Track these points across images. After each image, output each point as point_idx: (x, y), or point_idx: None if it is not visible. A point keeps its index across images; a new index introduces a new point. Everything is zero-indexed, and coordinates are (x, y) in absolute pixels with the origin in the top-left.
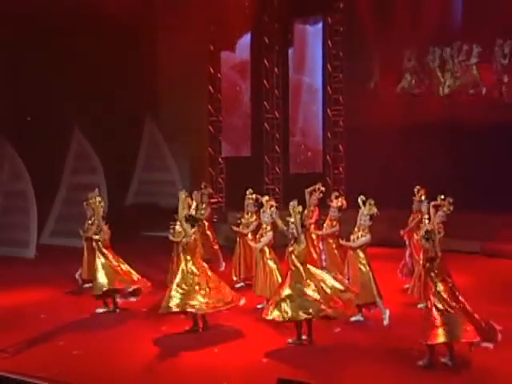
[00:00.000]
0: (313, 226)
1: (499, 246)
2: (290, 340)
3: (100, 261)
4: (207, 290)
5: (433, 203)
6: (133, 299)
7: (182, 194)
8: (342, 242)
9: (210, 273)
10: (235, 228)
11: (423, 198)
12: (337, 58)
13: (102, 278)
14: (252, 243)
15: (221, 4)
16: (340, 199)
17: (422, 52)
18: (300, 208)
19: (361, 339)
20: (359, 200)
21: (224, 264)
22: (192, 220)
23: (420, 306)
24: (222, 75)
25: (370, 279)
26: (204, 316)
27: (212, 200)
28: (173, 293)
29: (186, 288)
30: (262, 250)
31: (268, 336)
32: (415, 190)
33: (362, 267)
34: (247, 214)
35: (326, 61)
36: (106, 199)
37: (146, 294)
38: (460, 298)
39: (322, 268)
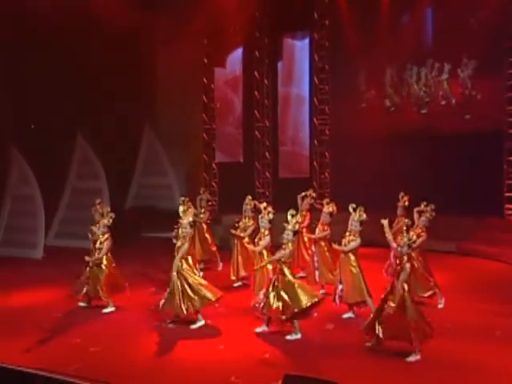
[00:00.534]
0: (305, 230)
1: (474, 246)
2: (288, 336)
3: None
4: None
5: (416, 209)
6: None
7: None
8: (335, 245)
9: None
10: (233, 231)
11: (407, 203)
12: (323, 71)
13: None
14: (251, 246)
15: (214, 20)
16: (331, 205)
17: (401, 68)
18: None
19: (353, 335)
20: (350, 207)
21: (221, 264)
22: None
23: None
24: (216, 88)
25: (361, 280)
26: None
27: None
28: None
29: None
30: (260, 253)
31: (268, 333)
32: (400, 196)
33: (353, 269)
34: (245, 218)
35: (313, 73)
36: (109, 203)
37: (150, 294)
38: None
39: (315, 269)
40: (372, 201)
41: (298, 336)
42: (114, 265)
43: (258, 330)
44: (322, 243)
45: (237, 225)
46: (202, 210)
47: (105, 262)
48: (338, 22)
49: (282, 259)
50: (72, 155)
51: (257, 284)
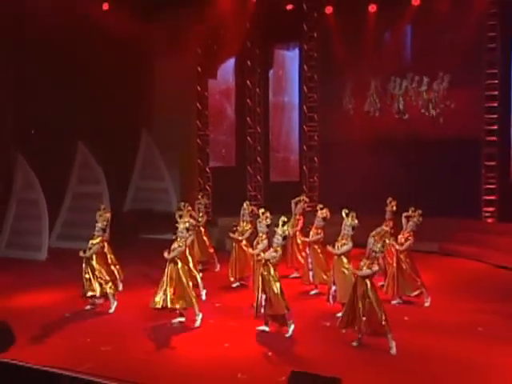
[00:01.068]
0: (298, 233)
1: (455, 246)
2: (287, 334)
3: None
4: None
5: (405, 214)
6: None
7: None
8: (329, 248)
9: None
10: (232, 235)
11: (394, 208)
12: (312, 80)
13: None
14: (250, 250)
15: (209, 31)
16: (325, 211)
17: (385, 80)
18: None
19: (348, 332)
20: (343, 213)
21: (219, 265)
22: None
23: (393, 302)
24: (210, 96)
25: (352, 281)
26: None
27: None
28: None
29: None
30: (258, 255)
31: (268, 332)
32: (388, 201)
33: (345, 270)
34: (243, 222)
35: (302, 82)
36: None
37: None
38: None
39: (309, 270)
40: (359, 203)
41: (292, 327)
42: (109, 261)
43: (259, 328)
44: (316, 246)
45: (235, 228)
46: (201, 214)
47: (95, 260)
48: (327, 35)
49: (271, 260)
50: (72, 157)
51: (256, 284)
